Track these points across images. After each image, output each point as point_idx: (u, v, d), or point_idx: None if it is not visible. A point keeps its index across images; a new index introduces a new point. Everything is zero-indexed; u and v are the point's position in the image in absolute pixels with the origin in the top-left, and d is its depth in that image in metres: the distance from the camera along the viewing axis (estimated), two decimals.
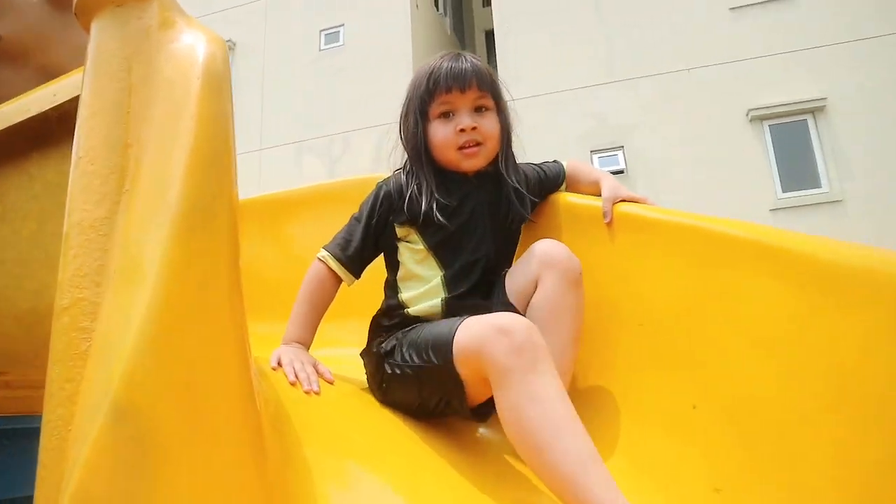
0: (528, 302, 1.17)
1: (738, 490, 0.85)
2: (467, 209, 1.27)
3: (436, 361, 1.05)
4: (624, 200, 1.29)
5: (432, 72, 1.28)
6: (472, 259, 1.25)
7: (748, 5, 9.46)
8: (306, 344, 1.28)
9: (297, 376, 1.12)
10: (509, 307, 1.18)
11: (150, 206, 0.69)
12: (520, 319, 0.96)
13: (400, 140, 1.36)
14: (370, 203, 1.32)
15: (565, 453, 0.83)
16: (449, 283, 1.22)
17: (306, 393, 1.08)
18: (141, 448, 0.58)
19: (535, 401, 0.88)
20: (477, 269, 1.25)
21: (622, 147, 9.47)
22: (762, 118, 9.14)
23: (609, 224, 1.27)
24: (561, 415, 0.87)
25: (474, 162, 1.28)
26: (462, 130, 1.25)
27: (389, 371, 1.15)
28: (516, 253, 1.36)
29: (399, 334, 1.18)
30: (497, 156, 1.32)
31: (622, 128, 9.42)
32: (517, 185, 1.31)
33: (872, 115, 8.61)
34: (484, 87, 1.27)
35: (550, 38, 10.14)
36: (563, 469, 0.83)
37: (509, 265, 1.32)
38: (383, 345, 1.20)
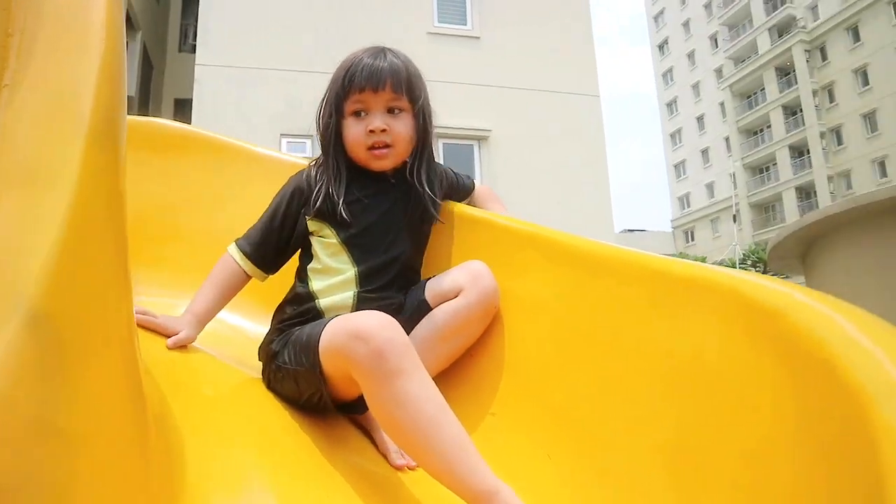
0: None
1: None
2: (380, 207, 1.28)
3: (305, 364, 1.07)
4: None
5: (349, 68, 1.27)
6: (387, 258, 1.26)
7: (444, 34, 10.57)
8: (198, 317, 1.25)
9: None
10: (422, 304, 1.24)
11: (51, 111, 0.66)
12: (379, 320, 0.95)
13: (317, 130, 1.33)
14: (281, 201, 1.31)
15: (437, 448, 0.88)
16: (362, 279, 1.23)
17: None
18: (60, 354, 0.57)
19: (402, 405, 0.90)
20: (393, 268, 1.26)
21: (311, 136, 9.70)
22: (439, 136, 10.30)
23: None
24: (429, 414, 0.90)
25: (383, 163, 1.29)
26: (371, 131, 1.25)
27: (274, 369, 1.16)
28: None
29: (287, 334, 1.19)
30: (411, 156, 1.33)
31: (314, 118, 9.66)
32: (427, 191, 1.32)
33: (521, 149, 10.39)
34: (398, 90, 1.27)
35: (258, 11, 9.91)
36: (437, 463, 0.88)
37: (422, 262, 1.38)
38: (272, 345, 1.20)
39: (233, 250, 1.30)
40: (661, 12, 52.46)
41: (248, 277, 1.30)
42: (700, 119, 48.49)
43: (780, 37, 41.19)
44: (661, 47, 52.76)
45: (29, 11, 0.69)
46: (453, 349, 1.23)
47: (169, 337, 1.18)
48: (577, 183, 10.71)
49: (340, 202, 1.24)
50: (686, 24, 49.59)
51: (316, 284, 1.25)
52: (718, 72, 46.04)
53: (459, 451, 0.88)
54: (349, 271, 1.23)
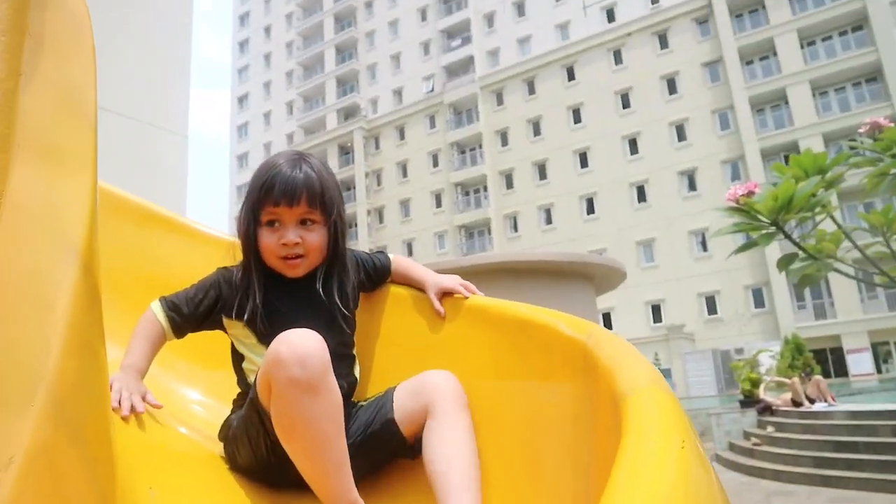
0: (421, 424, 1.22)
1: None
2: (296, 313, 1.33)
3: (247, 401, 1.20)
4: (446, 292, 1.47)
5: (266, 179, 1.31)
6: None
7: None
8: (142, 372, 1.31)
9: (119, 403, 1.18)
10: (390, 425, 1.26)
11: (65, 102, 0.85)
12: (305, 333, 1.06)
13: (238, 233, 1.38)
14: (203, 288, 1.37)
15: (325, 463, 1.05)
16: None
17: (123, 419, 1.16)
18: (95, 290, 0.78)
19: (309, 422, 1.03)
20: None
21: None
22: None
23: (442, 316, 1.44)
24: (329, 434, 1.04)
25: (297, 271, 1.36)
26: (284, 244, 1.31)
27: (231, 436, 1.25)
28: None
29: (241, 408, 1.26)
30: (324, 261, 1.39)
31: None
32: (337, 301, 1.38)
33: (100, 174, 9.73)
34: (313, 203, 1.32)
35: None
36: (319, 475, 1.06)
37: (352, 342, 1.44)
38: (230, 418, 1.30)
39: (157, 309, 1.36)
40: (246, 67, 54.42)
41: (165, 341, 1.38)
42: None
43: (346, 119, 46.97)
44: (241, 100, 54.38)
45: (35, 18, 0.84)
46: (466, 453, 1.16)
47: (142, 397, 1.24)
48: None
49: (258, 313, 1.31)
50: (267, 85, 52.41)
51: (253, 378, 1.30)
52: (290, 137, 49.61)
53: (341, 468, 1.06)
54: None
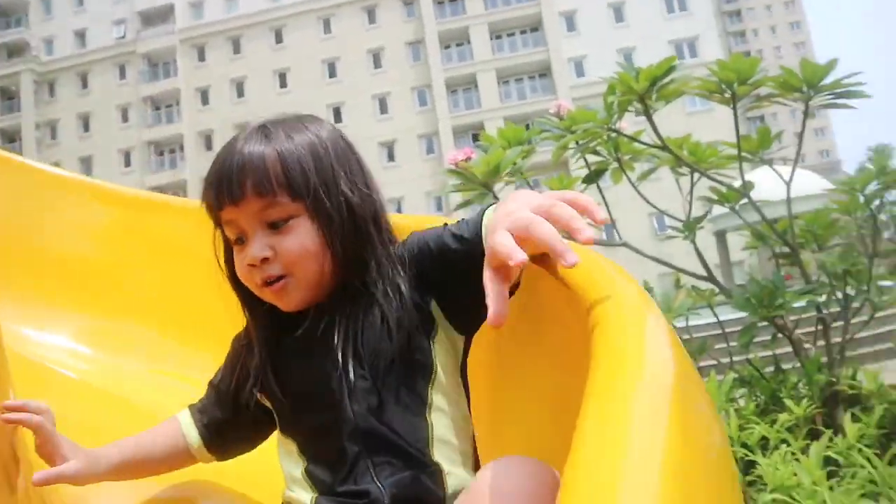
0: None
1: None
2: (303, 364, 0.87)
3: None
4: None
5: (208, 174, 0.88)
6: (340, 442, 0.81)
7: None
8: (102, 461, 0.88)
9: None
10: None
11: None
12: None
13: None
14: (226, 363, 0.99)
15: None
16: (314, 479, 0.84)
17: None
18: None
19: None
20: (352, 447, 0.81)
21: None
22: None
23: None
24: None
25: (289, 301, 0.87)
26: (251, 266, 0.84)
27: None
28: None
29: None
30: (336, 273, 0.87)
31: None
32: (384, 305, 0.85)
33: None
34: (265, 191, 0.83)
35: None
36: None
37: (423, 406, 0.85)
38: None
39: (183, 416, 0.97)
40: None
41: (192, 458, 0.96)
42: None
43: (10, 58, 39.61)
44: None
45: None
46: None
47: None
48: None
49: (266, 382, 0.89)
50: None
51: (284, 469, 0.91)
52: None
53: None
54: (298, 469, 0.87)
